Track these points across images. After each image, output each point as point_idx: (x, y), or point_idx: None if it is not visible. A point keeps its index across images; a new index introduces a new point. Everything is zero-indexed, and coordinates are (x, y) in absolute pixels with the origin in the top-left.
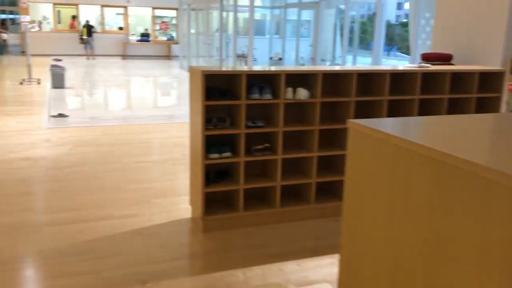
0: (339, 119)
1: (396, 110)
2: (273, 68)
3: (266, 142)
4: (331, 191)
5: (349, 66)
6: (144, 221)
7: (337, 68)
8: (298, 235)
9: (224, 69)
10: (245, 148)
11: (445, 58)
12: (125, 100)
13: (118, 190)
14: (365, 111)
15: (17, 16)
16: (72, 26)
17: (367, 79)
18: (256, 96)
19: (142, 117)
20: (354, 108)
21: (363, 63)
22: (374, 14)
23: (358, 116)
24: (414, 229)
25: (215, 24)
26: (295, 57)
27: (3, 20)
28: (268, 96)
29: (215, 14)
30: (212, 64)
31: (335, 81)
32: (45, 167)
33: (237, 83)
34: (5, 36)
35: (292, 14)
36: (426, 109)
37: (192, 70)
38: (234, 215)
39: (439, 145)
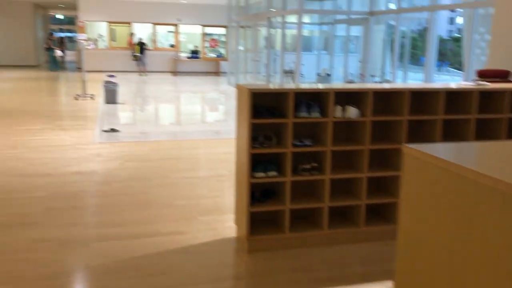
0: (390, 139)
1: (451, 130)
2: (321, 86)
3: (313, 161)
4: (381, 214)
5: (400, 83)
6: (190, 239)
7: (388, 85)
8: (346, 259)
9: (271, 87)
10: (291, 168)
11: (503, 75)
12: (174, 116)
13: (165, 205)
14: (418, 130)
15: (75, 34)
16: (130, 43)
17: (420, 97)
18: (304, 114)
19: (190, 132)
20: (406, 127)
21: (414, 79)
22: (425, 29)
23: (410, 135)
24: (479, 265)
25: (263, 40)
26: (343, 73)
27: (62, 38)
28: (316, 114)
29: (263, 31)
30: (259, 80)
31: (386, 99)
32: (95, 182)
33: (284, 101)
34: (59, 53)
35: (341, 30)
36: (484, 130)
37: (239, 88)
38: (279, 236)
39: (509, 176)
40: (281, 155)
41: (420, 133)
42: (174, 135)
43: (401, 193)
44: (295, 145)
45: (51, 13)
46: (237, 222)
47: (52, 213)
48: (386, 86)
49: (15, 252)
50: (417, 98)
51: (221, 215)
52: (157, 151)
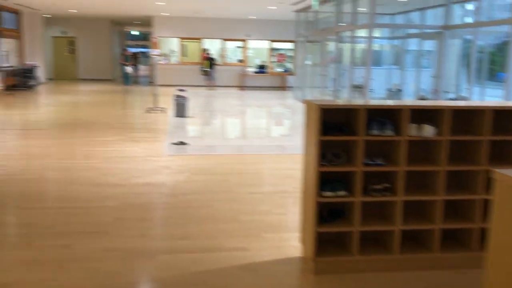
0: (468, 160)
1: None
2: (395, 102)
3: (385, 181)
4: (458, 240)
5: (478, 100)
6: (253, 256)
7: (467, 103)
8: (418, 286)
9: (341, 102)
10: (361, 187)
11: None
12: (240, 130)
13: (230, 220)
14: (500, 151)
15: (148, 50)
16: (203, 58)
17: (504, 115)
18: (376, 132)
19: (255, 146)
20: (487, 148)
21: (491, 96)
22: (504, 43)
23: (492, 157)
24: None
25: (334, 55)
26: (414, 88)
27: (135, 53)
28: (389, 132)
29: (331, 45)
30: (326, 95)
31: (464, 117)
32: (163, 194)
33: (355, 118)
34: (129, 69)
35: (413, 44)
36: None
37: (308, 104)
38: (348, 259)
39: None
40: (351, 174)
41: (502, 154)
42: (240, 149)
43: (492, 221)
44: (366, 164)
45: (127, 29)
46: (303, 241)
47: (122, 223)
48: (464, 103)
49: (86, 260)
50: (499, 117)
51: (285, 233)
52: (223, 165)
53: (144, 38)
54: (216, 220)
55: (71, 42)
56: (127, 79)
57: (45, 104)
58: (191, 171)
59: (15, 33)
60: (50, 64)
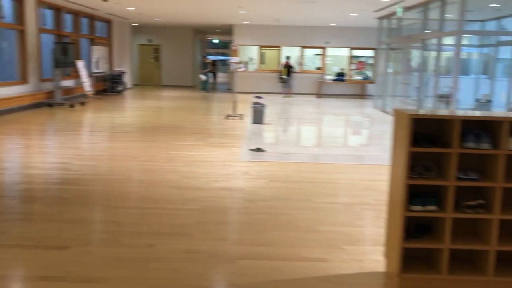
0: None
1: None
2: (493, 114)
3: (480, 198)
4: None
5: None
6: (333, 268)
7: None
8: None
9: (434, 112)
10: (453, 203)
11: None
12: (316, 138)
13: (308, 230)
14: None
15: (227, 57)
16: (285, 65)
17: None
18: (471, 144)
19: (332, 155)
20: None
21: None
22: None
23: None
24: None
25: (414, 63)
26: (506, 99)
27: (214, 61)
28: (485, 145)
29: (415, 53)
30: (409, 104)
31: None
32: (241, 199)
33: (448, 129)
34: (203, 77)
35: (505, 52)
36: None
37: (397, 113)
38: (435, 277)
39: None
40: (442, 188)
41: None
42: (316, 157)
43: None
44: (459, 179)
45: (208, 37)
46: (387, 256)
47: (203, 226)
48: None
49: (169, 260)
50: None
51: (367, 246)
52: (300, 173)
53: (224, 46)
54: (294, 229)
55: (156, 50)
56: (205, 86)
57: (131, 108)
58: (269, 177)
59: (106, 41)
60: (136, 71)
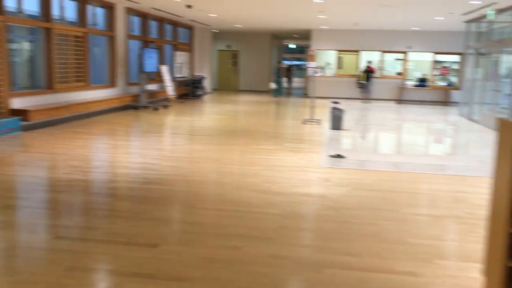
0: None
1: None
2: None
3: None
4: None
5: None
6: (426, 283)
7: None
8: None
9: None
10: None
11: None
12: (398, 145)
13: (396, 241)
14: None
15: (303, 62)
16: (367, 70)
17: None
18: None
19: (415, 164)
20: None
21: None
22: None
23: None
24: None
25: (505, 69)
26: None
27: (289, 66)
28: None
29: (505, 58)
30: (498, 112)
31: None
32: (323, 206)
33: None
34: (274, 86)
35: None
36: None
37: (502, 123)
38: None
39: None
40: None
41: None
42: (398, 166)
43: None
44: None
45: (285, 43)
46: (487, 274)
47: (285, 231)
48: None
49: (254, 264)
50: None
51: (461, 262)
52: (384, 182)
53: (300, 51)
54: (381, 240)
55: (234, 55)
56: (278, 91)
57: (209, 112)
58: (352, 185)
59: (188, 47)
60: (215, 76)
